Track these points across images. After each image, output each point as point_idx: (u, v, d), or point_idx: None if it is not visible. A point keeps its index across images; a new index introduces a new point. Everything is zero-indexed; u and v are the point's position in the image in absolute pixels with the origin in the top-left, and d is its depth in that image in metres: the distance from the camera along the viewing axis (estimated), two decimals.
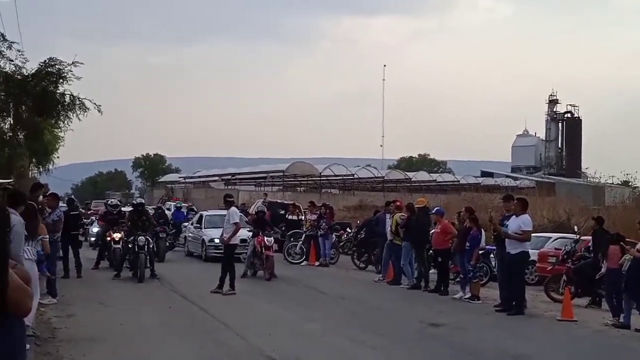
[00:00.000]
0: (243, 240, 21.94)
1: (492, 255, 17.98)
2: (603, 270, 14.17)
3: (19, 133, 20.63)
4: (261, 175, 74.29)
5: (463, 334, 11.73)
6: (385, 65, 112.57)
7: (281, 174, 70.13)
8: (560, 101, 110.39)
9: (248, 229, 21.04)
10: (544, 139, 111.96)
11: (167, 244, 24.59)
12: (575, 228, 21.35)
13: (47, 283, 13.78)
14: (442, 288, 16.92)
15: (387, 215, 20.41)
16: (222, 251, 22.31)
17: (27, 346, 8.30)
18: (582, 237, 18.09)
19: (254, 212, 22.72)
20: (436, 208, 19.24)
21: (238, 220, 16.66)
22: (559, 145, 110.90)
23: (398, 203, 20.28)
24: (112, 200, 26.16)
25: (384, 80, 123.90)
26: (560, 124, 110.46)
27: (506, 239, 14.24)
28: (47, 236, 9.78)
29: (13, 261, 3.37)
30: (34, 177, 39.16)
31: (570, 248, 16.93)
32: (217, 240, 21.68)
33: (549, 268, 18.69)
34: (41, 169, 36.76)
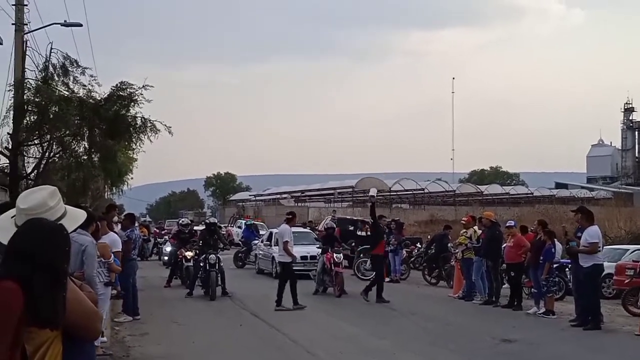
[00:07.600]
0: (313, 257, 22.07)
1: (567, 269, 17.54)
2: None
3: (93, 156, 21.23)
4: (331, 191, 74.62)
5: (537, 350, 11.45)
6: (454, 78, 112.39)
7: (351, 189, 70.24)
8: (636, 109, 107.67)
9: (317, 246, 21.14)
10: (620, 148, 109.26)
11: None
12: None
13: (123, 302, 14.11)
14: (515, 303, 16.59)
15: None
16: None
17: None
18: None
19: (323, 229, 22.82)
20: (509, 221, 18.89)
21: (287, 239, 16.76)
22: (636, 155, 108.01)
23: (465, 219, 19.87)
24: (183, 219, 26.63)
25: (453, 92, 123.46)
26: (636, 133, 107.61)
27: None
28: (111, 259, 10.06)
29: (78, 281, 3.44)
30: (109, 199, 40.23)
31: None
32: None
33: (627, 281, 18.10)
34: (115, 190, 37.61)
